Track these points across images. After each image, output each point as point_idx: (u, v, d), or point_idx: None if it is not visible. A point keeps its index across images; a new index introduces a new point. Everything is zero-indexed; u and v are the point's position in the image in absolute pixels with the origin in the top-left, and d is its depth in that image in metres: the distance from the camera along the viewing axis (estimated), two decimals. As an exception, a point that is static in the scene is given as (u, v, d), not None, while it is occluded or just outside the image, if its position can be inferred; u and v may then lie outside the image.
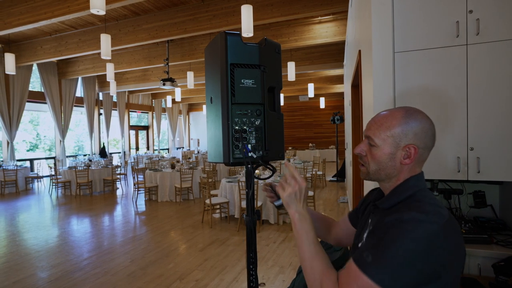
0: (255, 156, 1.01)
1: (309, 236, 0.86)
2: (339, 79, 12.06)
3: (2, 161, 9.32)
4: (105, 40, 5.76)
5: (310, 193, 5.64)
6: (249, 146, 1.02)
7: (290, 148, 16.35)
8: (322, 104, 15.02)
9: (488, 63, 1.69)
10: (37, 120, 13.48)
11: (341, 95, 15.86)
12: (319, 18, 7.16)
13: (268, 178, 1.15)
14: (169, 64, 8.55)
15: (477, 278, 1.69)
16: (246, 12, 4.65)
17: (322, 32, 7.26)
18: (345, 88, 7.60)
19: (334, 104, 16.94)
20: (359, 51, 2.66)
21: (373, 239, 0.75)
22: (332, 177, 9.88)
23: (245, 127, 1.02)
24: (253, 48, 1.03)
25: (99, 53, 8.75)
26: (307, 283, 0.85)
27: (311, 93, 10.70)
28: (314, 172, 8.32)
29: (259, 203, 4.88)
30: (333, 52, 8.92)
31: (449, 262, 0.74)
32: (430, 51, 1.77)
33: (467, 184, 2.15)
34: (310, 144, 16.38)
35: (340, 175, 9.41)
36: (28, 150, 13.09)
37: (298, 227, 0.87)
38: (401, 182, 0.88)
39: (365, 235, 0.91)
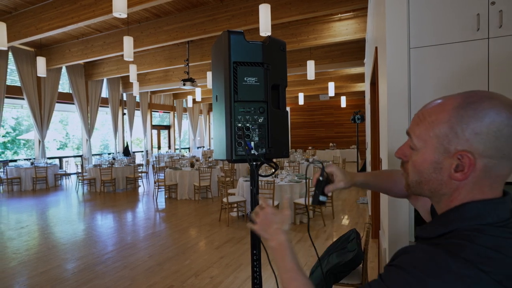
0: (256, 153, 1.01)
1: (285, 265, 0.76)
2: (360, 78, 11.79)
3: (34, 159, 9.88)
4: (128, 42, 5.96)
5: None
6: (252, 143, 1.03)
7: (310, 147, 16.18)
8: (343, 103, 14.74)
9: (512, 58, 1.60)
10: (67, 120, 14.17)
11: (362, 93, 15.50)
12: (339, 15, 7.03)
13: (270, 175, 1.15)
14: (189, 64, 8.72)
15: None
16: (264, 11, 4.65)
17: (342, 29, 7.13)
18: (366, 86, 7.43)
19: (355, 103, 16.58)
20: (376, 47, 2.60)
21: (380, 280, 0.56)
22: (352, 177, 9.67)
23: (248, 125, 1.03)
24: (256, 46, 1.04)
25: (122, 55, 9.06)
26: None
27: (331, 92, 10.54)
28: (333, 172, 8.18)
29: (275, 203, 4.87)
30: (353, 50, 8.73)
31: None
32: (448, 46, 1.69)
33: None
34: (331, 144, 16.13)
35: (361, 175, 9.19)
36: (58, 149, 13.81)
37: (275, 255, 0.80)
38: (454, 207, 0.59)
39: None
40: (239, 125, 1.02)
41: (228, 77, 1.02)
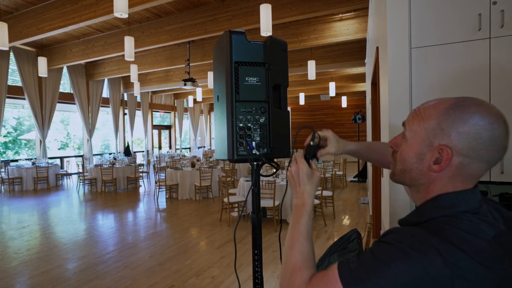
0: (258, 153, 1.01)
1: (296, 226, 0.77)
2: (361, 78, 11.78)
3: (35, 158, 9.89)
4: (129, 42, 5.96)
5: (329, 193, 5.55)
6: (253, 143, 1.03)
7: (310, 147, 16.15)
8: (344, 103, 14.73)
9: (514, 58, 1.59)
10: (68, 120, 14.19)
11: (363, 93, 15.48)
12: (340, 15, 7.03)
13: (272, 175, 1.15)
14: (190, 64, 8.72)
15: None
16: (265, 11, 4.65)
17: (343, 29, 7.12)
18: (367, 86, 7.42)
19: (356, 103, 16.56)
20: (377, 47, 2.60)
21: (369, 252, 0.62)
22: (354, 177, 9.67)
23: (249, 125, 1.03)
24: (257, 46, 1.04)
25: (123, 55, 9.07)
26: (281, 272, 0.75)
27: (332, 92, 10.53)
28: (334, 172, 8.20)
29: (276, 203, 4.87)
30: (354, 50, 8.72)
31: None
32: (449, 46, 1.69)
33: (492, 186, 2.03)
34: (331, 144, 16.08)
35: (362, 175, 9.19)
36: (59, 149, 13.82)
37: (292, 213, 0.82)
38: (430, 199, 0.66)
39: None
40: (241, 125, 1.02)
41: (229, 77, 1.02)
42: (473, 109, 0.61)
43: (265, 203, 4.85)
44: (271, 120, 1.06)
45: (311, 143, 0.87)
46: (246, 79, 1.03)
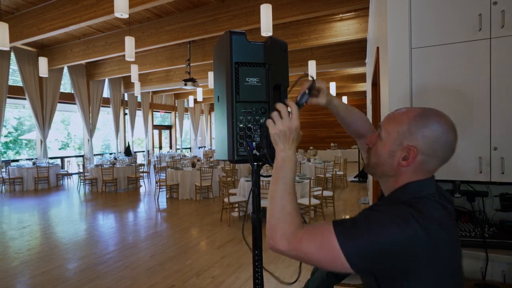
0: (258, 153, 1.01)
1: (286, 177, 0.83)
2: (362, 78, 11.78)
3: (36, 158, 9.90)
4: (129, 42, 5.96)
5: (329, 193, 5.55)
6: (254, 143, 1.03)
7: (311, 147, 16.16)
8: (344, 103, 14.71)
9: (514, 58, 1.59)
10: (68, 120, 14.20)
11: (363, 94, 15.49)
12: (341, 15, 7.02)
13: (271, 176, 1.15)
14: (191, 64, 8.72)
15: (500, 285, 1.60)
16: (265, 11, 4.64)
17: (343, 29, 7.12)
18: (367, 86, 7.42)
19: (357, 103, 16.55)
20: (377, 48, 2.59)
21: (361, 215, 0.74)
22: (354, 177, 9.67)
23: (249, 125, 1.03)
24: (258, 47, 1.03)
25: (124, 55, 9.07)
26: (267, 224, 0.80)
27: (333, 92, 10.52)
28: (334, 172, 8.20)
29: (277, 203, 4.87)
30: (355, 50, 8.72)
31: (425, 267, 0.71)
32: (450, 46, 1.69)
33: (493, 186, 2.03)
34: (332, 144, 16.10)
35: (362, 175, 9.18)
36: (60, 149, 13.83)
37: (279, 165, 0.85)
38: (398, 188, 0.82)
39: None
40: (241, 125, 1.02)
41: (229, 77, 1.02)
42: (435, 119, 0.78)
43: (265, 203, 4.84)
44: (271, 121, 1.05)
45: (306, 91, 0.93)
46: (247, 79, 1.02)
